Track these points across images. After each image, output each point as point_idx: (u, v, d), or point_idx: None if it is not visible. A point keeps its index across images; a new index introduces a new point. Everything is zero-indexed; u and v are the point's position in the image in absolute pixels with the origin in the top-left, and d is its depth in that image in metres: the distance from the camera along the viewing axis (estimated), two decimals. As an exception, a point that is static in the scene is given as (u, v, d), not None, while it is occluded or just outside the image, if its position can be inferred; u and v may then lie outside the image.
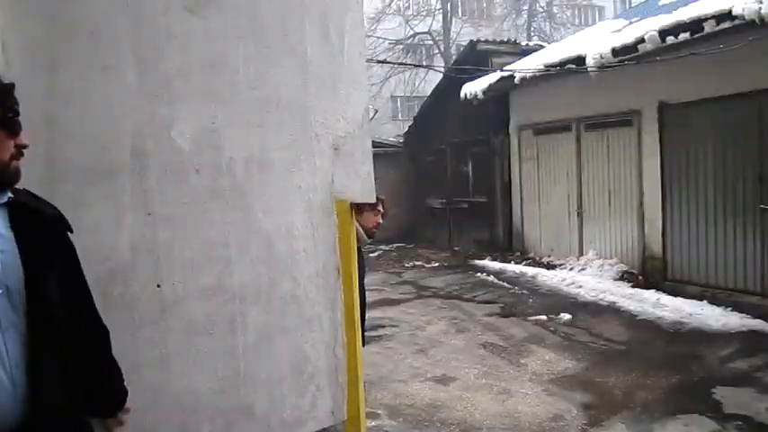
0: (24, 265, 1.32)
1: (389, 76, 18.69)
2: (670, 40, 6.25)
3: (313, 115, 2.09)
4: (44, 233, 1.38)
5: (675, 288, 6.89)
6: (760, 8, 5.27)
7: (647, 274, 7.48)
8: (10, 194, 1.35)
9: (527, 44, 12.03)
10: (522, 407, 4.11)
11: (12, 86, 1.36)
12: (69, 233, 1.47)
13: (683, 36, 6.10)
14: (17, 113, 1.36)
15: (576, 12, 25.17)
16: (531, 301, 7.16)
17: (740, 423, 3.68)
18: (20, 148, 1.36)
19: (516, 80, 8.74)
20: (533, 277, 8.27)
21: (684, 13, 6.16)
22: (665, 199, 7.22)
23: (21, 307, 1.31)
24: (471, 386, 4.54)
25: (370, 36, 17.42)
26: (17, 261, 1.31)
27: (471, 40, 11.27)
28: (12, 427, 1.28)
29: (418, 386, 4.58)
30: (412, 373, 4.87)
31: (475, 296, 7.60)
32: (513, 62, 9.75)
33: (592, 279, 7.68)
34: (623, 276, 7.64)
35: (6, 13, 1.56)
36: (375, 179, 2.27)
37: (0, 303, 1.28)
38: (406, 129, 14.94)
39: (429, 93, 13.80)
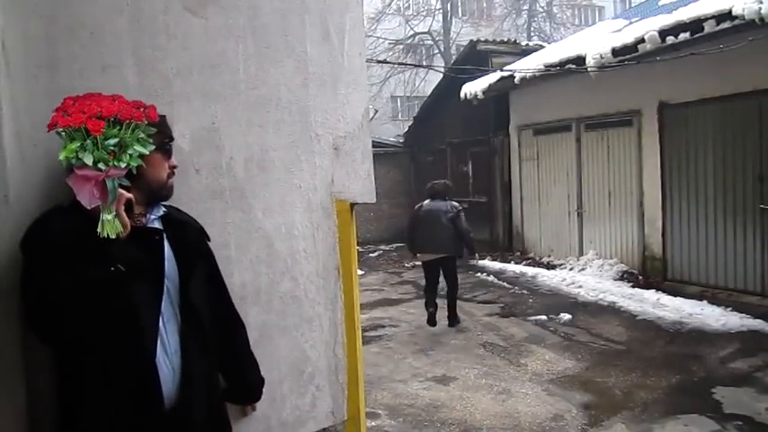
0: (177, 268, 1.56)
1: (389, 76, 18.70)
2: (670, 40, 6.25)
3: (313, 115, 2.09)
4: (190, 241, 1.63)
5: (675, 288, 6.89)
6: (760, 8, 5.27)
7: (647, 274, 7.48)
8: (164, 209, 1.61)
9: (527, 44, 12.03)
10: (522, 407, 4.12)
11: (165, 117, 1.60)
12: (208, 241, 1.72)
13: (683, 36, 6.10)
14: (173, 139, 1.63)
15: (576, 12, 25.15)
16: (531, 301, 7.16)
17: (740, 423, 3.68)
18: (172, 169, 1.61)
19: (516, 80, 8.74)
20: (533, 277, 8.27)
21: (684, 13, 6.16)
22: (665, 199, 7.22)
23: (176, 303, 1.55)
24: (471, 386, 4.54)
25: (370, 36, 17.43)
26: (174, 264, 1.56)
27: (471, 40, 11.27)
28: (170, 407, 1.48)
29: (418, 386, 4.58)
30: (412, 373, 4.87)
31: (475, 296, 7.60)
32: (513, 62, 9.75)
33: (592, 279, 7.69)
34: (623, 276, 7.64)
35: (6, 13, 1.55)
36: (375, 179, 2.27)
37: (164, 300, 1.52)
38: (406, 129, 14.94)
39: (429, 93, 13.80)
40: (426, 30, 20.25)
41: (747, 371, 4.54)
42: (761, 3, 5.28)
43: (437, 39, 20.56)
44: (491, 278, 8.53)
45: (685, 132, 6.91)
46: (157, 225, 1.57)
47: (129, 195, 1.40)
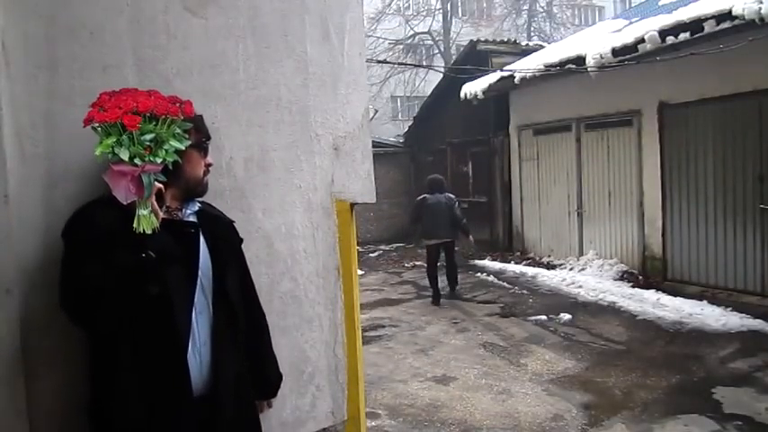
0: (211, 262, 1.60)
1: (389, 76, 18.70)
2: (670, 40, 6.25)
3: (313, 115, 2.09)
4: (224, 236, 1.68)
5: (675, 288, 6.89)
6: (760, 8, 5.27)
7: (647, 274, 7.48)
8: (199, 204, 1.66)
9: (527, 44, 12.02)
10: (522, 407, 4.12)
11: (202, 116, 1.64)
12: (239, 239, 1.77)
13: (683, 36, 6.09)
14: (210, 138, 1.67)
15: (576, 12, 25.14)
16: (531, 301, 7.15)
17: (740, 423, 3.68)
18: (207, 167, 1.66)
19: (516, 80, 8.73)
20: (533, 277, 8.26)
21: (684, 13, 6.15)
22: (665, 199, 7.22)
23: (209, 296, 1.59)
24: (471, 386, 4.54)
25: (370, 36, 17.42)
26: (208, 257, 1.60)
27: (471, 40, 11.27)
28: (197, 397, 1.51)
29: (418, 386, 4.58)
30: (412, 373, 4.87)
31: (475, 296, 7.60)
32: (513, 62, 9.75)
33: (592, 279, 7.68)
34: (623, 276, 7.64)
35: (6, 13, 1.56)
36: (375, 179, 2.27)
37: (197, 292, 1.55)
38: (406, 129, 14.94)
39: (429, 93, 13.80)
40: (426, 30, 20.25)
41: (747, 371, 4.54)
42: (761, 3, 5.28)
43: (437, 39, 20.56)
44: (491, 278, 8.52)
45: (685, 132, 6.91)
46: (193, 220, 1.62)
47: (159, 185, 1.41)
